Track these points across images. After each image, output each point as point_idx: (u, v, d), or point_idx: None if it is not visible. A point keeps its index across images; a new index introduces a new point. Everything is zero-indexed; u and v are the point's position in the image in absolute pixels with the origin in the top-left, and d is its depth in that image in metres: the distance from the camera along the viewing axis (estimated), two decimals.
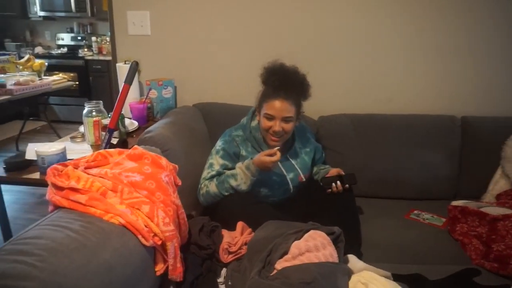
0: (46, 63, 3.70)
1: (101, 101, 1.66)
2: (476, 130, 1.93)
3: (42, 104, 4.31)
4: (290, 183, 1.63)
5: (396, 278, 1.27)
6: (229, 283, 1.19)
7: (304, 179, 1.67)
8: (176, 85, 2.16)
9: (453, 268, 1.35)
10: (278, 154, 1.45)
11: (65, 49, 5.28)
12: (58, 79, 3.71)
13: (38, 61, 3.63)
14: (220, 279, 1.22)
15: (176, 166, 1.27)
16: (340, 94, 2.12)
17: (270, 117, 1.52)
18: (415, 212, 1.79)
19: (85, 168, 1.12)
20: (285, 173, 1.63)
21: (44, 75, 3.63)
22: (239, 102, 2.01)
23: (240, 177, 1.50)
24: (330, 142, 1.96)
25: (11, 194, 2.96)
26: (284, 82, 1.51)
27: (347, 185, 1.55)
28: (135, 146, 1.22)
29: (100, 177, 1.08)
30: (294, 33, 2.05)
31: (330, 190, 1.55)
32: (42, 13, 5.09)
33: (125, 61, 2.05)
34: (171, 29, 2.14)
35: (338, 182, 1.55)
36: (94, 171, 1.11)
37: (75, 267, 0.82)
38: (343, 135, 1.96)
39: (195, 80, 2.19)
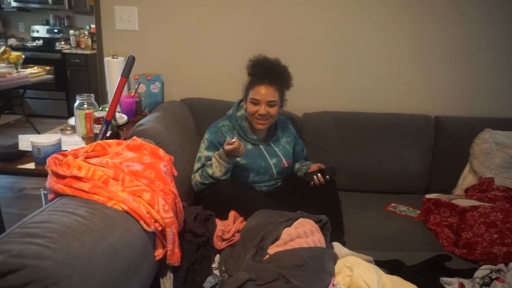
0: (23, 56, 3.62)
1: (93, 94, 1.68)
2: (448, 129, 2.07)
3: (17, 97, 4.19)
4: (273, 168, 1.75)
5: (376, 263, 1.37)
6: (223, 268, 1.25)
7: (286, 165, 1.79)
8: (164, 80, 2.19)
9: (427, 255, 1.47)
10: (236, 141, 1.55)
11: (41, 42, 5.14)
12: (36, 72, 3.63)
13: (14, 53, 3.54)
14: (214, 265, 1.28)
15: (172, 157, 1.32)
16: (323, 92, 2.22)
17: (256, 102, 1.64)
18: (393, 204, 1.91)
19: (85, 158, 1.16)
20: (268, 158, 1.74)
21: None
22: (226, 98, 2.07)
23: (215, 165, 1.61)
24: (313, 138, 2.05)
25: None
26: (268, 71, 1.66)
27: (327, 177, 1.66)
28: (134, 137, 1.26)
29: (101, 166, 1.12)
30: (279, 34, 2.14)
31: (312, 182, 1.65)
32: (15, 4, 4.95)
33: (113, 56, 2.06)
34: (158, 25, 2.17)
35: (319, 175, 1.65)
36: (94, 160, 1.15)
37: (86, 249, 0.87)
38: (326, 132, 2.06)
39: (182, 75, 2.23)
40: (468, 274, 1.33)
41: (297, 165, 1.92)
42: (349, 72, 2.19)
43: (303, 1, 2.08)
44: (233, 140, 1.56)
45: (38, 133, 3.70)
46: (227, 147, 1.55)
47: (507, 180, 1.89)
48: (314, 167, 1.76)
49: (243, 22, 2.14)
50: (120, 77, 1.43)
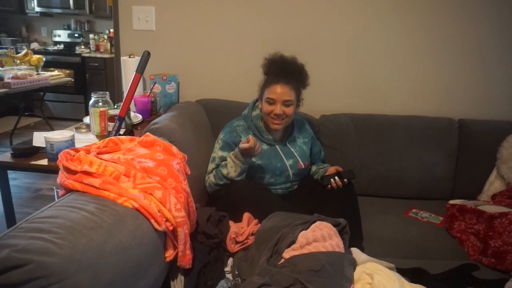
0: (44, 59, 3.69)
1: (108, 92, 1.66)
2: (473, 133, 1.98)
3: (37, 100, 4.27)
4: (289, 169, 1.70)
5: (398, 271, 1.29)
6: (236, 271, 1.20)
7: (303, 166, 1.73)
8: (179, 80, 2.18)
9: (451, 263, 1.39)
10: (251, 140, 1.50)
11: (62, 46, 5.24)
12: (56, 75, 3.69)
13: (35, 56, 3.60)
14: (227, 268, 1.23)
15: (185, 155, 1.29)
16: (341, 94, 2.16)
17: (271, 101, 1.60)
18: (414, 210, 1.82)
19: (97, 153, 1.13)
20: (284, 159, 1.70)
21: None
22: (241, 99, 2.04)
23: (230, 165, 1.56)
24: (331, 140, 1.99)
25: None
26: (284, 69, 1.62)
27: (345, 180, 1.59)
28: (147, 133, 1.23)
29: (113, 162, 1.09)
30: (296, 33, 2.09)
31: (329, 186, 1.59)
32: (39, 9, 5.07)
33: (129, 55, 2.05)
34: (175, 25, 2.16)
35: (337, 178, 1.59)
36: (106, 156, 1.12)
37: (93, 245, 0.83)
38: (344, 134, 2.00)
39: (197, 76, 2.21)
40: (497, 285, 1.25)
41: (314, 168, 1.86)
42: (369, 72, 2.12)
43: None
44: (249, 137, 1.52)
45: None
46: (243, 146, 1.51)
47: None
48: (331, 170, 1.70)
49: (259, 23, 2.10)
50: (134, 73, 1.40)
